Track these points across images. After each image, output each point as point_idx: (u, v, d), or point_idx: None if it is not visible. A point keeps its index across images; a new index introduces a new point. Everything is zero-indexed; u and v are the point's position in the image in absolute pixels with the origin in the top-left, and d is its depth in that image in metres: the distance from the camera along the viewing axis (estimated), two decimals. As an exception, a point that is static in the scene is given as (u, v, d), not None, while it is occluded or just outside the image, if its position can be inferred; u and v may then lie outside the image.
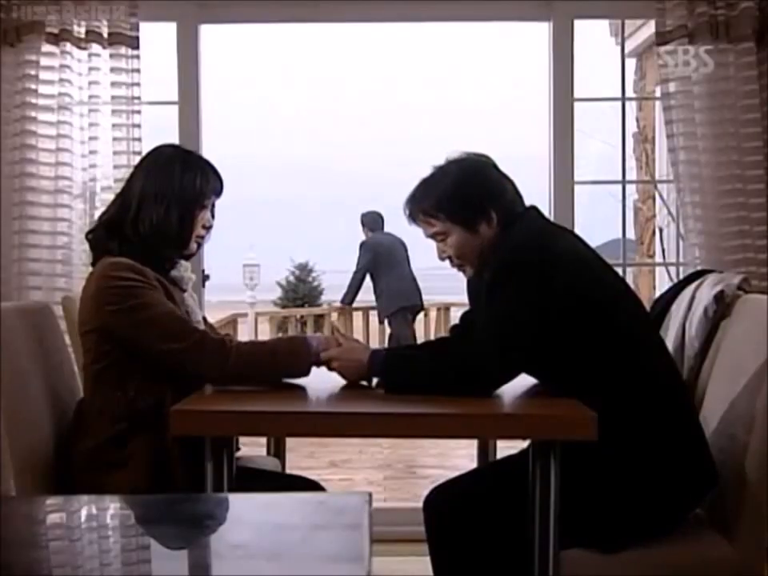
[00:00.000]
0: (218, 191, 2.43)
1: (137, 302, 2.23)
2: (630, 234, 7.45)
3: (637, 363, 2.20)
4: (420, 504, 2.40)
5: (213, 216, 2.45)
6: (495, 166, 2.38)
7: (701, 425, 2.24)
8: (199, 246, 2.46)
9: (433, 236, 2.37)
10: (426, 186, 2.36)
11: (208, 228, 2.43)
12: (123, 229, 2.34)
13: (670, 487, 2.13)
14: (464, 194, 2.30)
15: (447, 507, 2.29)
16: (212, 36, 3.77)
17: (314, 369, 2.29)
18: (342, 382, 2.29)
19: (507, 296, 2.15)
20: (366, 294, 8.76)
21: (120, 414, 2.26)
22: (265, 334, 9.98)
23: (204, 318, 2.55)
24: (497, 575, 2.19)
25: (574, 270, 2.20)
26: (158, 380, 2.25)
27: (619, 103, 3.95)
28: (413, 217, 2.38)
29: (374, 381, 2.26)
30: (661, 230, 5.52)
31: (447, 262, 2.39)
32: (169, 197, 2.33)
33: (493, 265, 2.23)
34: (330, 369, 2.28)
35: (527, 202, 2.39)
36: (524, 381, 2.25)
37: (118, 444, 2.25)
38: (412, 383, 2.16)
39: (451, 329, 2.72)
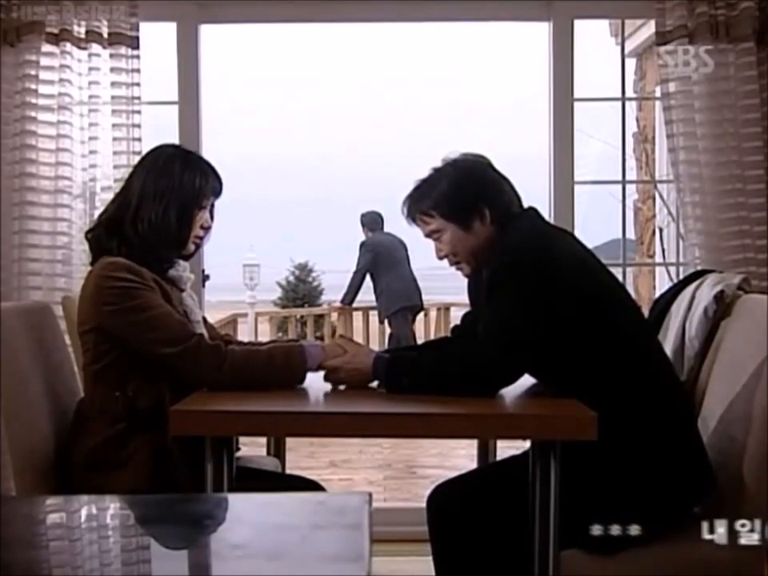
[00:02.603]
0: (218, 192, 2.43)
1: (133, 304, 2.23)
2: (630, 234, 7.44)
3: (636, 365, 2.20)
4: (420, 504, 2.40)
5: (212, 217, 2.44)
6: (492, 166, 2.40)
7: (698, 428, 2.25)
8: (197, 246, 2.45)
9: (429, 234, 2.39)
10: (422, 186, 2.39)
11: (206, 229, 2.43)
12: (122, 228, 2.33)
13: (667, 488, 2.13)
14: (459, 194, 2.32)
15: (450, 505, 2.29)
16: (212, 36, 3.77)
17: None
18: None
19: (508, 296, 2.15)
20: (366, 294, 8.76)
21: (119, 413, 2.26)
22: (265, 334, 9.98)
23: (204, 318, 2.54)
24: (498, 574, 2.19)
25: (573, 271, 2.21)
26: (157, 380, 2.25)
27: (619, 103, 3.96)
28: (410, 216, 2.41)
29: (375, 383, 2.26)
30: (661, 230, 5.52)
31: (446, 261, 2.40)
32: (168, 196, 2.33)
33: (492, 265, 2.24)
34: (332, 380, 2.27)
35: (527, 202, 2.40)
36: (524, 381, 2.25)
37: (117, 444, 2.25)
38: (415, 386, 2.16)
39: (452, 330, 2.73)
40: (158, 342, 2.22)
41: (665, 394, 2.21)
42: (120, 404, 2.26)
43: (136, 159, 3.14)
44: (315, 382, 2.28)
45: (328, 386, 2.27)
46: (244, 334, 9.92)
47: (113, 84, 3.47)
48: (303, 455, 5.65)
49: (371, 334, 9.68)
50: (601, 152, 6.75)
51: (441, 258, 2.41)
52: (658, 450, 2.14)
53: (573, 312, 2.16)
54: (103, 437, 2.26)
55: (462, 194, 2.32)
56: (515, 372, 2.17)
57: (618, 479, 2.12)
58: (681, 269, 3.76)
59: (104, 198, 3.38)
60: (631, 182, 6.99)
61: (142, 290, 2.24)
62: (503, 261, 2.21)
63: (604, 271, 2.32)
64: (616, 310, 2.25)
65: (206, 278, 3.67)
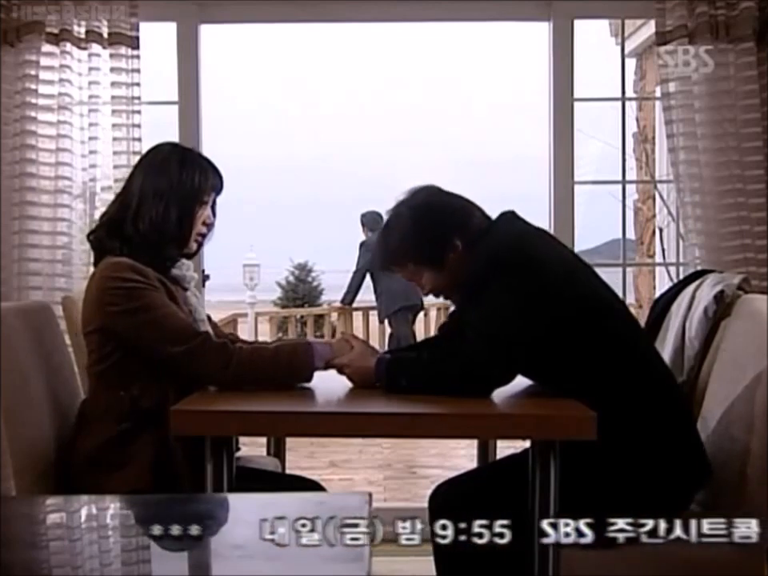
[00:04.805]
0: (218, 188, 2.42)
1: (138, 304, 2.23)
2: (630, 234, 7.43)
3: (624, 358, 2.23)
4: (420, 504, 2.40)
5: (214, 213, 2.44)
6: (444, 192, 2.38)
7: (690, 418, 2.28)
8: (200, 244, 2.44)
9: (408, 279, 2.41)
10: (386, 236, 2.38)
11: (209, 225, 2.42)
12: (123, 228, 2.33)
13: (663, 480, 2.16)
14: (426, 238, 2.31)
15: (451, 504, 2.29)
16: (212, 36, 3.78)
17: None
18: (344, 383, 2.29)
19: (495, 297, 2.17)
20: (366, 294, 8.75)
21: (123, 413, 2.26)
22: (265, 334, 9.97)
23: (208, 317, 2.53)
24: (498, 573, 2.19)
25: (556, 270, 2.23)
26: (162, 379, 2.25)
27: (619, 103, 3.95)
28: (386, 268, 2.44)
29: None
30: (661, 230, 5.52)
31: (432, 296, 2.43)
32: (167, 194, 2.32)
33: (471, 269, 2.25)
34: (341, 374, 2.29)
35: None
36: (524, 381, 2.25)
37: (120, 444, 2.25)
38: (413, 388, 2.17)
39: (440, 327, 2.73)
40: (164, 341, 2.22)
41: (656, 387, 2.23)
42: (124, 404, 2.26)
43: (136, 159, 3.14)
44: (323, 382, 2.28)
45: (332, 386, 2.27)
46: (244, 334, 9.89)
47: (113, 84, 3.48)
48: (303, 455, 5.65)
49: (371, 334, 9.67)
50: (601, 152, 6.74)
51: (426, 295, 2.43)
52: (652, 443, 2.16)
53: (559, 309, 2.18)
54: (106, 436, 2.25)
55: (429, 237, 2.30)
56: (509, 371, 2.18)
57: (613, 475, 2.13)
58: (681, 269, 3.76)
59: (104, 198, 3.39)
60: (631, 182, 6.99)
61: (147, 290, 2.24)
62: (485, 264, 2.22)
63: (588, 270, 2.34)
64: (599, 306, 2.27)
65: (205, 278, 3.67)
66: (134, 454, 2.23)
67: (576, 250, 3.67)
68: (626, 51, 5.29)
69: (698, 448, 2.23)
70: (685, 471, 2.19)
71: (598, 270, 2.40)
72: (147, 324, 2.23)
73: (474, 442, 2.91)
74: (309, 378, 2.27)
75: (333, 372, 2.29)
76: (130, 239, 2.31)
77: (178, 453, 2.21)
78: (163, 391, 2.24)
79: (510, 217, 2.37)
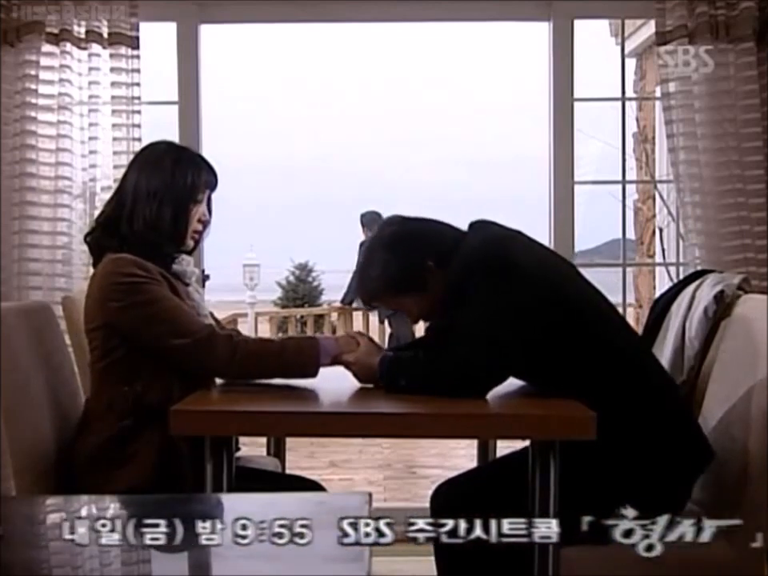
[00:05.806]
0: (212, 185, 2.42)
1: (142, 298, 2.23)
2: (630, 234, 7.44)
3: (613, 356, 2.23)
4: (419, 504, 2.40)
5: (210, 211, 2.44)
6: (409, 219, 2.40)
7: (684, 403, 2.31)
8: (197, 242, 2.44)
9: (394, 310, 2.43)
10: (362, 277, 2.41)
11: (204, 222, 2.42)
12: (119, 227, 2.33)
13: (663, 472, 2.17)
14: (395, 270, 2.32)
15: (452, 504, 2.30)
16: (212, 36, 3.78)
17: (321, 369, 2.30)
18: (344, 382, 2.29)
19: (481, 299, 2.18)
20: (366, 294, 8.74)
21: (127, 409, 2.25)
22: (265, 333, 9.97)
23: (211, 314, 2.53)
24: (499, 573, 2.19)
25: (536, 270, 2.23)
26: (166, 375, 2.25)
27: (619, 103, 3.95)
28: (369, 304, 2.50)
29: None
30: (661, 230, 5.52)
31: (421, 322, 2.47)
32: (161, 192, 2.32)
33: (451, 278, 2.26)
34: (348, 370, 2.31)
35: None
36: (522, 381, 2.25)
37: (123, 440, 2.24)
38: (412, 387, 2.17)
39: (427, 329, 2.74)
40: (169, 334, 2.22)
41: (648, 380, 2.25)
42: (127, 400, 2.26)
43: (136, 159, 3.15)
44: (325, 380, 2.28)
45: (332, 385, 2.27)
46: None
47: (113, 84, 3.48)
48: (303, 455, 5.65)
49: (371, 333, 9.66)
50: (601, 152, 6.74)
51: (416, 322, 2.48)
52: (649, 434, 2.18)
53: (544, 308, 2.18)
54: (109, 433, 2.25)
55: (402, 267, 2.31)
56: (504, 371, 2.18)
57: (611, 470, 2.15)
58: (681, 269, 3.76)
59: (104, 198, 3.37)
60: (631, 182, 6.99)
61: (149, 284, 2.24)
62: (462, 270, 2.23)
63: (571, 269, 2.36)
64: (582, 307, 2.27)
65: (205, 278, 3.67)
66: (136, 452, 2.23)
67: (576, 249, 3.68)
68: (626, 51, 5.30)
69: (696, 433, 2.24)
70: (684, 457, 2.20)
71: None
72: (151, 317, 2.23)
73: (474, 442, 2.91)
74: (314, 374, 2.26)
75: (335, 369, 2.30)
76: (126, 238, 2.31)
77: (182, 451, 2.21)
78: (167, 388, 2.24)
79: (481, 224, 2.37)
